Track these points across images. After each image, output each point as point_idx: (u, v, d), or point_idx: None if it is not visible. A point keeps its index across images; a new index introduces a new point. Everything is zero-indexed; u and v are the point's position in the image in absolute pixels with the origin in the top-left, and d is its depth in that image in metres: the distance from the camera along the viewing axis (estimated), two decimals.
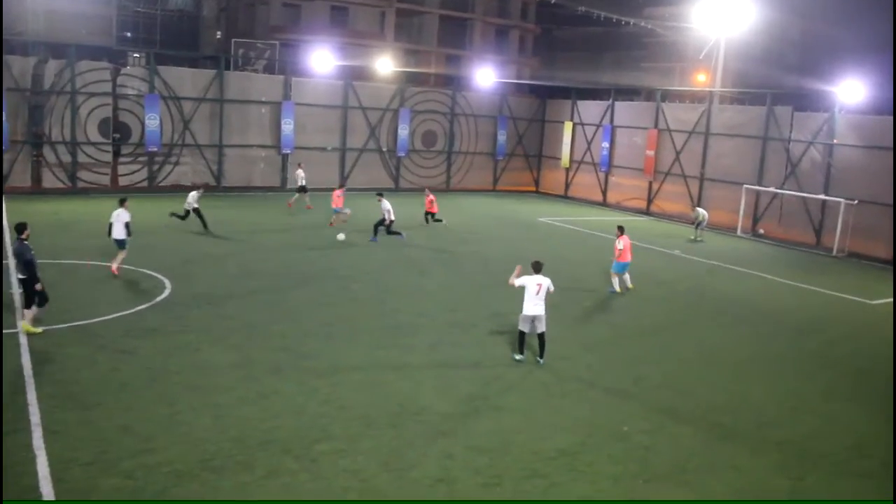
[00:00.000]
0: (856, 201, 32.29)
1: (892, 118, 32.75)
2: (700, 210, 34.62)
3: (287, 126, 39.07)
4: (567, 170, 47.45)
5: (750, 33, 45.99)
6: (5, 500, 9.03)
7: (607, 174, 44.89)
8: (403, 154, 43.48)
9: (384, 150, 43.07)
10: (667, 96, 43.89)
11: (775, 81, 56.22)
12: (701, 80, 60.71)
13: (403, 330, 17.10)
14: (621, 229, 22.37)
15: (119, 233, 19.88)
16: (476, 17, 67.82)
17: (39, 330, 14.93)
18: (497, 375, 14.53)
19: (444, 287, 21.56)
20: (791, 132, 36.09)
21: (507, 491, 10.19)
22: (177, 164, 37.28)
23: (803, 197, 34.81)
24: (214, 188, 37.01)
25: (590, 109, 46.36)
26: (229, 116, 38.19)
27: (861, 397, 15.18)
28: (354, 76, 43.98)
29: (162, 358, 14.13)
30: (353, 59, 49.42)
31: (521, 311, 15.24)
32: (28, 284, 14.83)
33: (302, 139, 39.82)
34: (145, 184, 36.54)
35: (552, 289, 15.24)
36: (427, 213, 31.65)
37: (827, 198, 33.67)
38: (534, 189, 49.59)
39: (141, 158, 36.50)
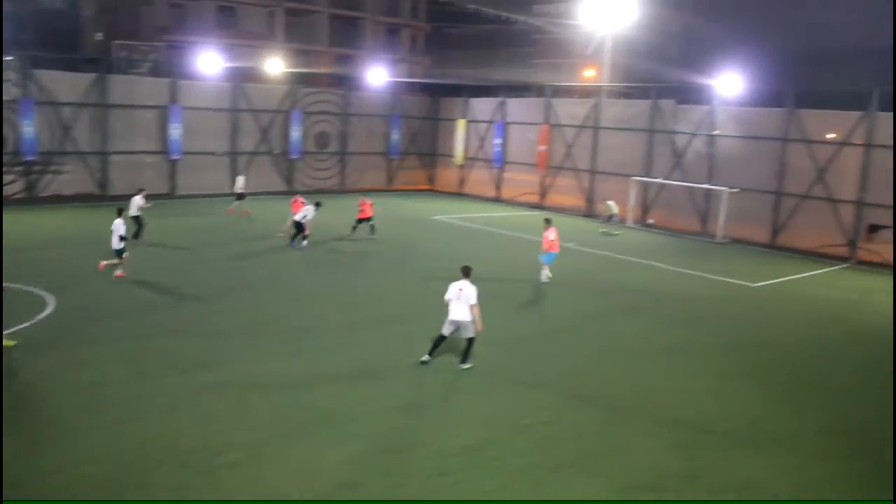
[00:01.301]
0: (737, 189, 33.75)
1: (767, 109, 34.40)
2: (611, 203, 35.55)
3: (175, 131, 37.88)
4: (461, 167, 47.83)
5: (635, 29, 47.49)
6: (5, 500, 8.98)
7: (501, 170, 45.46)
8: (296, 156, 42.84)
9: (276, 152, 42.32)
10: (557, 92, 44.74)
11: (660, 76, 58.03)
12: (589, 75, 62.16)
13: (305, 334, 16.86)
14: (548, 221, 23.42)
15: (114, 243, 20.65)
16: (367, 17, 67.45)
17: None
18: (401, 376, 14.50)
19: (344, 289, 21.38)
20: (675, 124, 37.41)
21: (414, 490, 10.19)
22: (57, 173, 35.60)
23: (689, 187, 36.13)
24: (99, 197, 35.58)
25: (482, 106, 46.82)
26: (113, 122, 36.70)
27: (752, 375, 15.87)
28: (244, 78, 43.00)
29: (51, 377, 13.47)
30: (242, 61, 48.32)
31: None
32: None
33: (191, 144, 38.64)
34: (23, 195, 34.68)
35: (473, 300, 14.73)
36: (359, 220, 29.21)
37: (710, 187, 35.05)
38: (429, 187, 49.76)
39: (17, 168, 34.63)
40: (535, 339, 17.52)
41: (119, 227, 20.86)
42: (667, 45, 76.27)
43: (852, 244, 31.11)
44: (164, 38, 53.09)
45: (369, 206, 29.39)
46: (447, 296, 14.88)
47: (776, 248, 32.83)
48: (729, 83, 35.13)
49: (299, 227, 26.82)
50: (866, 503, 10.60)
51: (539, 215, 39.50)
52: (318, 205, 27.62)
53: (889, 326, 20.80)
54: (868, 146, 30.66)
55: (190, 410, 12.32)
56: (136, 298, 19.06)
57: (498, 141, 45.06)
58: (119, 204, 24.01)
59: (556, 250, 23.03)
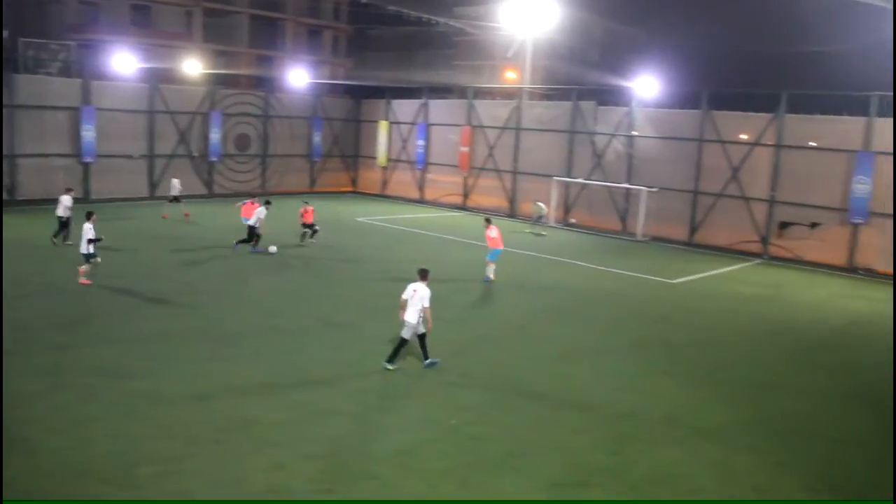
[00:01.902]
0: (656, 189, 34.51)
1: (683, 111, 35.28)
2: (540, 204, 35.89)
3: (88, 133, 36.59)
4: (384, 169, 47.67)
5: (555, 32, 48.12)
6: (5, 500, 8.80)
7: (423, 171, 45.46)
8: (216, 159, 41.94)
9: (195, 155, 41.36)
10: (479, 94, 44.99)
11: (580, 78, 59.01)
12: (511, 77, 62.76)
13: (227, 340, 16.44)
14: (488, 221, 23.94)
15: (87, 248, 20.22)
16: (288, 18, 66.72)
17: None
18: (325, 380, 14.29)
19: (268, 293, 20.97)
20: (595, 126, 38.03)
21: (341, 496, 10.02)
22: None
23: (609, 186, 36.76)
24: (7, 202, 34.11)
25: (404, 108, 46.75)
26: (21, 123, 35.22)
27: (674, 370, 16.18)
28: (161, 79, 41.91)
29: None
30: (158, 61, 47.16)
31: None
32: None
33: (105, 146, 37.36)
34: None
35: (426, 303, 14.67)
36: (304, 225, 28.54)
37: (630, 186, 35.74)
38: (352, 189, 49.44)
39: None
40: (462, 341, 17.49)
41: (88, 231, 20.28)
42: (587, 48, 77.67)
43: (765, 241, 32.14)
44: (74, 36, 51.33)
45: (311, 211, 28.65)
46: (403, 296, 14.83)
47: (694, 245, 33.68)
48: (646, 85, 35.96)
49: (252, 231, 26.23)
50: (867, 503, 10.77)
51: (462, 216, 39.84)
52: (267, 203, 27.01)
53: (798, 318, 21.60)
54: (778, 146, 31.71)
55: (110, 421, 11.84)
56: (52, 306, 18.30)
57: (420, 142, 45.06)
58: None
59: (500, 247, 23.43)
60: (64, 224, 25.66)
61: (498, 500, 10.23)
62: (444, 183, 44.73)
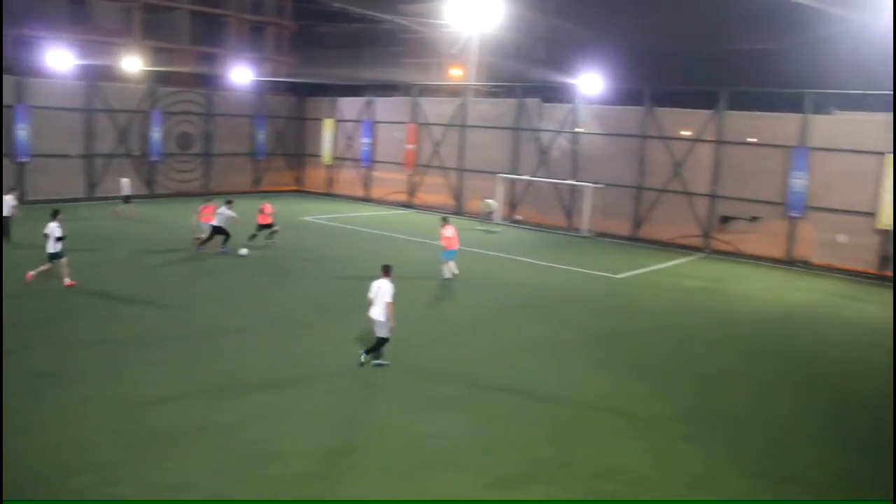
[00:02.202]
0: (600, 185, 34.89)
1: (627, 108, 35.70)
2: (490, 201, 35.94)
3: (22, 131, 35.62)
4: (329, 167, 47.34)
5: (501, 29, 48.31)
6: (5, 500, 8.71)
7: (369, 169, 45.26)
8: (157, 158, 41.17)
9: (136, 154, 40.51)
10: (424, 91, 44.93)
11: (525, 75, 59.33)
12: (456, 74, 62.83)
13: (171, 344, 16.11)
14: (445, 219, 24.02)
15: (53, 247, 19.91)
16: (230, 14, 65.67)
17: None
18: (267, 381, 14.12)
19: (213, 295, 20.63)
20: (540, 123, 38.29)
21: (289, 497, 9.93)
22: None
23: (554, 183, 37.05)
24: None
25: (349, 106, 46.48)
26: None
27: (616, 363, 16.38)
28: (99, 76, 40.93)
29: None
30: (96, 58, 45.97)
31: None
32: None
33: (40, 145, 36.35)
34: None
35: (388, 298, 14.63)
36: (260, 226, 27.75)
37: (575, 183, 36.06)
38: (297, 188, 48.96)
39: None
40: (407, 339, 17.43)
41: (54, 230, 19.92)
42: (532, 45, 78.17)
43: (707, 235, 32.72)
44: (6, 31, 49.83)
45: (269, 210, 28.06)
46: (370, 294, 14.84)
47: (638, 240, 34.13)
48: (590, 82, 36.32)
49: (220, 231, 25.74)
50: (867, 503, 10.89)
51: (408, 214, 39.77)
52: (229, 202, 26.46)
53: (738, 310, 22.04)
54: (718, 143, 32.31)
55: (52, 429, 11.52)
56: (13, 308, 17.75)
57: (366, 140, 44.86)
58: None
59: (454, 247, 23.54)
60: (5, 224, 25.12)
61: (445, 499, 10.22)
62: (389, 181, 44.58)
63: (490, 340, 17.70)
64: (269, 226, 27.85)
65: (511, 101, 39.75)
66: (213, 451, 11.09)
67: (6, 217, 25.38)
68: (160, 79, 44.04)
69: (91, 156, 38.73)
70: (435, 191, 42.28)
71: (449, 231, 23.51)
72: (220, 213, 25.91)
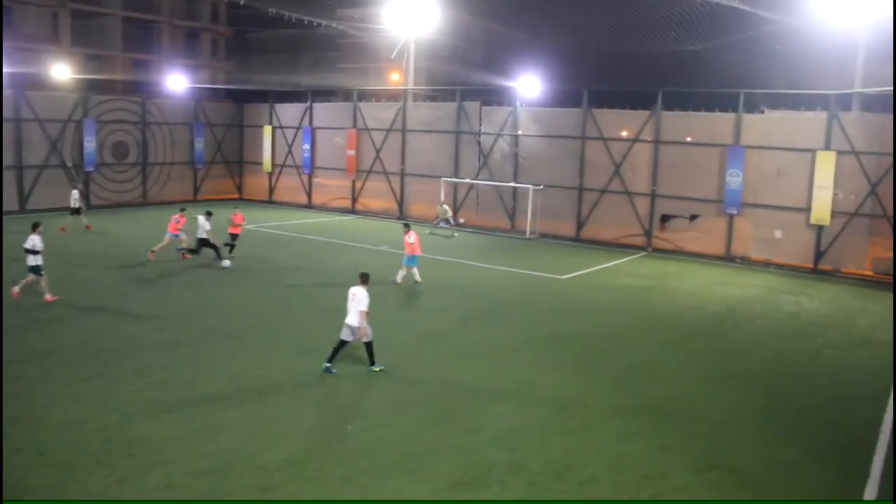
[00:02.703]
0: (541, 186, 35.17)
1: (565, 109, 36.06)
2: (445, 207, 35.79)
3: None
4: (270, 174, 46.80)
5: (437, 33, 48.29)
6: (5, 500, 8.68)
7: (311, 176, 44.89)
8: (92, 168, 40.15)
9: (69, 165, 39.45)
10: (363, 96, 44.75)
11: (464, 78, 59.49)
12: (395, 79, 62.74)
13: (106, 357, 15.71)
14: (408, 226, 24.18)
15: (32, 259, 19.77)
16: (163, 20, 64.47)
17: None
18: (212, 393, 13.87)
19: (152, 306, 20.18)
20: (480, 126, 38.44)
21: None
22: None
23: (496, 185, 37.23)
24: None
25: (289, 112, 46.04)
26: None
27: (561, 363, 16.51)
28: (27, 85, 39.77)
29: None
30: (21, 66, 44.63)
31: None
32: None
33: None
34: None
35: (363, 307, 14.72)
36: (232, 236, 27.07)
37: (516, 185, 36.29)
38: (238, 196, 48.28)
39: None
40: (354, 344, 17.32)
41: (37, 243, 19.83)
42: (469, 49, 78.51)
43: (648, 234, 33.22)
44: None
45: (242, 218, 27.46)
46: (348, 301, 14.99)
47: (581, 240, 34.48)
48: (529, 85, 36.60)
49: (206, 243, 25.29)
50: (868, 503, 10.90)
51: (351, 220, 39.49)
52: (209, 214, 25.87)
53: (679, 306, 22.42)
54: (656, 142, 32.85)
55: None
56: None
57: (306, 146, 44.48)
58: None
59: (417, 253, 23.57)
60: None
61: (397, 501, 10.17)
62: (331, 187, 44.27)
63: (430, 344, 17.67)
64: (235, 236, 27.13)
65: (450, 105, 39.83)
66: (151, 467, 10.83)
67: None
68: (92, 87, 43.01)
69: (21, 167, 37.57)
70: (378, 196, 42.11)
71: (411, 237, 23.55)
72: (200, 226, 25.33)
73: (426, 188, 39.64)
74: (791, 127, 29.98)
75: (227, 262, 25.38)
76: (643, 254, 32.23)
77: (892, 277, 26.56)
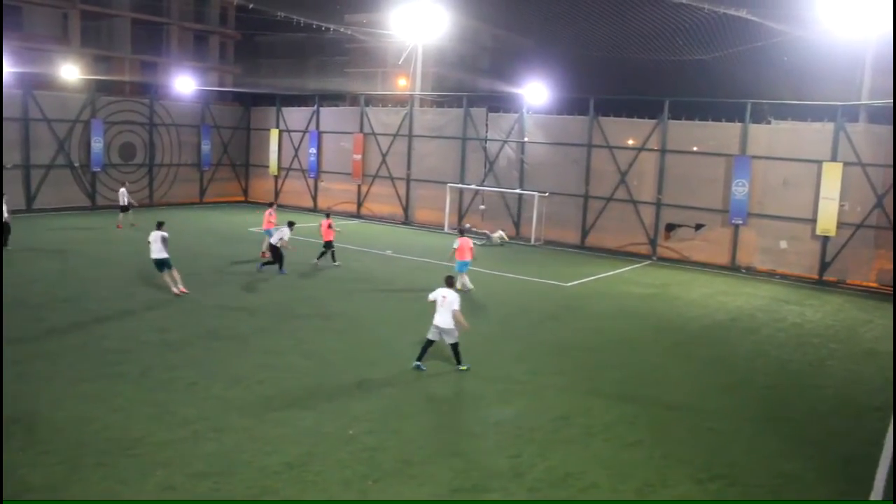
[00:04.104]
0: (547, 193, 35.19)
1: (572, 117, 36.07)
2: (501, 233, 35.21)
3: None
4: (276, 177, 46.89)
5: (445, 40, 48.47)
6: (5, 500, 8.70)
7: (316, 180, 44.96)
8: (99, 169, 40.30)
9: (76, 165, 39.62)
10: (370, 101, 44.84)
11: (471, 84, 59.65)
12: (402, 84, 62.84)
13: (110, 358, 15.75)
14: (461, 232, 24.55)
15: (158, 252, 21.03)
16: (172, 22, 64.78)
17: None
18: (215, 395, 13.88)
19: (152, 308, 20.21)
20: (487, 132, 38.48)
21: None
22: None
23: (502, 192, 37.26)
24: None
25: (295, 116, 46.16)
26: None
27: (564, 371, 16.47)
28: (36, 85, 39.93)
29: None
30: (31, 66, 44.88)
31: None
32: None
33: None
34: None
35: (455, 306, 15.44)
36: (325, 244, 26.94)
37: (522, 192, 36.31)
38: (243, 199, 48.43)
39: None
40: (356, 349, 17.36)
41: (160, 237, 21.19)
42: (476, 55, 78.67)
43: (653, 243, 33.20)
44: None
45: (328, 225, 27.09)
46: (431, 297, 15.89)
47: (586, 248, 34.49)
48: (536, 92, 36.65)
49: (274, 250, 24.88)
50: (868, 503, 10.89)
51: (356, 224, 39.47)
52: (291, 224, 25.45)
53: (683, 315, 22.39)
54: (662, 151, 32.84)
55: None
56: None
57: (313, 150, 44.57)
58: None
59: (465, 258, 23.52)
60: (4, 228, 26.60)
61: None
62: (337, 191, 44.34)
63: (438, 350, 17.59)
64: (329, 244, 26.93)
65: (457, 111, 39.89)
66: (152, 468, 10.83)
67: (5, 222, 26.74)
68: (101, 87, 43.17)
69: (28, 166, 37.72)
70: (383, 201, 42.16)
71: (456, 243, 23.72)
72: (280, 233, 24.99)
73: (432, 194, 39.70)
74: (798, 138, 29.96)
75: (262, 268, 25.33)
76: (648, 262, 32.21)
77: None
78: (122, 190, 34.37)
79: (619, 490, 10.98)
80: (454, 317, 15.47)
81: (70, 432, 11.91)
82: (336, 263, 26.78)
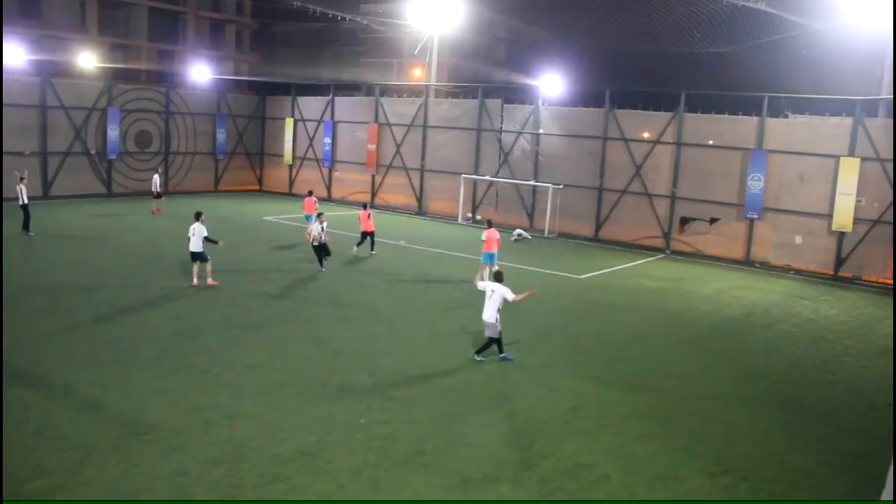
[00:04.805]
0: (561, 185, 35.09)
1: (587, 109, 35.92)
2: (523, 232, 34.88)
3: None
4: (290, 167, 46.96)
5: (461, 30, 48.36)
6: (5, 500, 8.72)
7: (331, 169, 45.01)
8: (115, 157, 40.47)
9: (92, 152, 39.82)
10: (385, 91, 44.80)
11: (486, 76, 59.50)
12: (417, 74, 62.82)
13: (124, 344, 15.87)
14: (489, 223, 24.44)
15: (196, 245, 20.87)
16: (189, 11, 64.91)
17: None
18: (227, 382, 13.97)
19: (167, 296, 20.32)
20: (502, 123, 38.39)
21: (248, 499, 9.83)
22: None
23: (516, 184, 37.19)
24: None
25: (310, 105, 46.16)
26: None
27: (577, 363, 16.45)
28: (53, 73, 40.08)
29: None
30: (49, 54, 45.05)
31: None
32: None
33: None
34: None
35: (510, 297, 15.65)
36: (363, 234, 27.39)
37: (536, 184, 36.23)
38: (258, 188, 48.54)
39: None
40: (368, 338, 17.40)
41: (200, 230, 21.11)
42: (492, 46, 78.43)
43: (667, 236, 33.07)
44: None
45: (367, 216, 27.41)
46: (481, 286, 16.35)
47: (600, 241, 34.39)
48: (551, 84, 36.53)
49: (317, 246, 24.17)
50: (868, 503, 10.90)
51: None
52: (319, 216, 24.69)
53: (696, 309, 22.30)
54: (678, 144, 32.68)
55: None
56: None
57: (327, 140, 44.60)
58: None
59: (492, 250, 23.53)
60: (26, 212, 27.42)
61: (408, 499, 10.19)
62: (351, 181, 44.36)
63: (444, 340, 17.65)
64: (370, 234, 27.41)
65: (472, 102, 39.78)
66: (167, 453, 10.93)
67: (25, 205, 27.43)
68: (117, 76, 43.33)
69: (45, 153, 37.94)
70: (397, 191, 42.15)
71: (484, 234, 23.72)
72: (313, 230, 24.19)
73: (446, 185, 39.68)
74: (815, 132, 29.72)
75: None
76: (661, 256, 32.09)
77: None
78: (156, 177, 35.59)
79: (630, 482, 10.98)
80: (516, 295, 15.79)
81: (85, 417, 12.03)
82: (372, 252, 27.48)
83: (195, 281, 21.15)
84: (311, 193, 31.20)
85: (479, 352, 16.01)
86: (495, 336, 15.86)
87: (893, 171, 27.55)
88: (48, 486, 9.89)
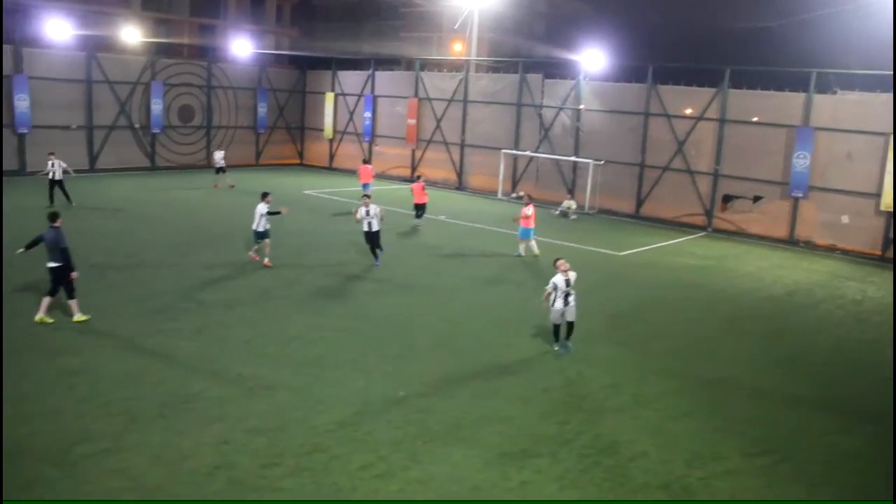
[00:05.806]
0: (602, 161, 34.77)
1: (629, 85, 35.48)
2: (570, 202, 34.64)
3: (21, 102, 35.36)
4: (331, 141, 47.12)
5: (502, 4, 47.88)
6: (5, 500, 8.82)
7: (371, 144, 45.07)
8: (158, 130, 40.94)
9: (136, 126, 40.32)
10: (425, 65, 44.65)
11: (526, 50, 58.93)
12: (457, 49, 62.39)
13: (167, 314, 16.15)
14: (530, 197, 24.74)
15: (257, 224, 20.71)
16: None
17: (87, 316, 15.22)
18: (268, 353, 14.17)
19: (209, 266, 20.60)
20: (542, 99, 38.07)
21: (288, 469, 9.96)
22: None
23: (556, 159, 36.93)
24: None
25: (351, 79, 46.21)
26: None
27: (615, 340, 16.40)
28: (99, 47, 40.52)
29: None
30: (94, 29, 45.53)
31: None
32: (65, 273, 14.98)
33: (40, 117, 36.12)
34: None
35: (548, 289, 15.33)
36: (417, 206, 28.51)
37: (577, 159, 35.94)
38: (298, 161, 48.83)
39: None
40: (407, 312, 17.48)
41: (262, 209, 20.85)
42: (532, 21, 77.60)
43: (709, 214, 32.65)
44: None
45: (421, 188, 28.62)
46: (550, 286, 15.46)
47: (640, 218, 34.08)
48: (593, 59, 36.10)
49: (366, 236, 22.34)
50: (867, 503, 10.80)
51: (410, 189, 39.44)
52: (366, 197, 23.17)
53: (738, 288, 22.03)
54: (722, 121, 32.14)
55: (46, 399, 11.58)
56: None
57: (367, 114, 44.63)
58: None
59: (529, 226, 23.99)
60: (63, 188, 28.22)
61: (447, 471, 10.27)
62: (391, 155, 44.40)
63: (482, 316, 17.66)
64: (422, 206, 28.60)
65: (512, 77, 39.50)
66: (209, 422, 11.16)
67: (60, 181, 28.17)
68: (160, 50, 43.69)
69: (91, 127, 38.52)
70: (437, 166, 42.08)
71: (529, 210, 23.96)
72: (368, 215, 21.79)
73: (485, 160, 39.53)
74: (864, 109, 29.01)
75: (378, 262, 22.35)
76: (703, 234, 31.71)
77: None
78: (219, 153, 36.58)
79: (668, 460, 10.94)
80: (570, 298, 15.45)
81: (129, 385, 12.28)
82: (418, 221, 28.64)
83: (254, 256, 21.28)
84: (366, 161, 31.33)
85: (558, 339, 15.50)
86: (557, 322, 15.35)
87: (894, 148, 26.81)
88: (95, 450, 10.14)
